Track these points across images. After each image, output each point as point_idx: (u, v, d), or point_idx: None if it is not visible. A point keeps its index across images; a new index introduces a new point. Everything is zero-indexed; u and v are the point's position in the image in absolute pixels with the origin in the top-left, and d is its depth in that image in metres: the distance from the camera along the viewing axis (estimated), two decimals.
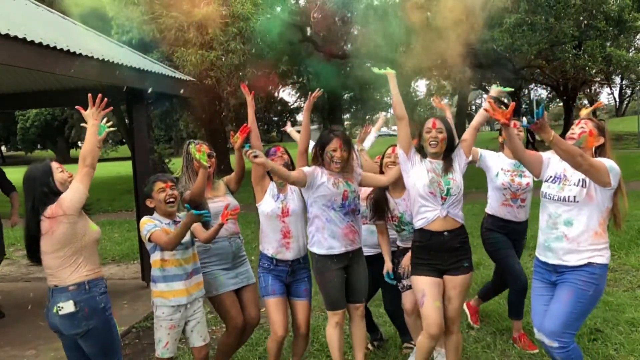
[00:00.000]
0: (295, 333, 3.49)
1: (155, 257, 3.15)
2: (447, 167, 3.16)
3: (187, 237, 3.16)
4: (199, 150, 3.27)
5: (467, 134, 3.27)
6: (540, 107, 2.49)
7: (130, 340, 4.63)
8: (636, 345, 3.77)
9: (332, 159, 3.19)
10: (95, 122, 2.80)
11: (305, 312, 3.42)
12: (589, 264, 2.82)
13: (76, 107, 2.90)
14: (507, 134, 2.91)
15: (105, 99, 2.86)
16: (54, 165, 2.80)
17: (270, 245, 3.35)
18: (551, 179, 2.98)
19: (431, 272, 3.15)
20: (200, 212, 2.92)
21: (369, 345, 4.01)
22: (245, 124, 3.39)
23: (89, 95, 2.86)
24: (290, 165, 3.43)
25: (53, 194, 2.70)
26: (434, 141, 3.13)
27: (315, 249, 3.27)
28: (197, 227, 3.22)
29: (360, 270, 3.35)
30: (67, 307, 2.67)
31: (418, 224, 3.18)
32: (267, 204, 3.33)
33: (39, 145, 41.77)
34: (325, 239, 3.22)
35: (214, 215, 3.24)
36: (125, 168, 10.25)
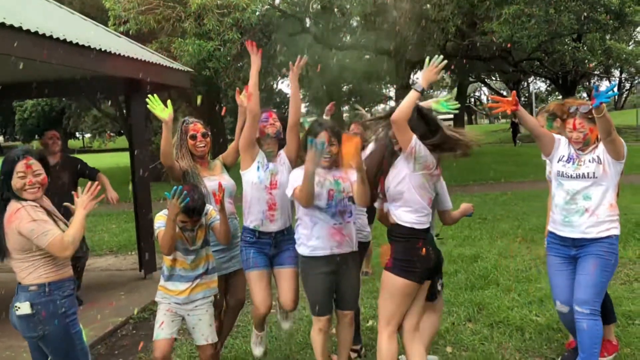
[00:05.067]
0: (281, 308, 3.28)
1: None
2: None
3: (198, 244, 3.05)
4: (164, 105, 3.12)
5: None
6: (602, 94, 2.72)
7: (128, 331, 4.63)
8: (633, 338, 3.78)
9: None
10: (84, 211, 2.54)
11: (289, 280, 3.20)
12: (609, 236, 3.07)
13: (65, 204, 2.72)
14: (518, 117, 3.08)
15: (99, 187, 2.64)
16: (19, 167, 2.52)
17: (253, 216, 3.19)
18: (564, 158, 3.19)
19: None
20: (177, 195, 2.73)
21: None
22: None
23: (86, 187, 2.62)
24: (282, 134, 3.26)
25: (12, 195, 2.52)
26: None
27: (301, 250, 3.08)
28: (216, 226, 3.07)
29: (350, 276, 3.13)
30: (24, 308, 2.50)
31: None
32: (255, 172, 3.18)
33: (36, 136, 41.67)
34: (309, 240, 3.03)
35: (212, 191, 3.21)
36: (123, 159, 10.22)
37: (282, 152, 3.29)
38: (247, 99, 3.15)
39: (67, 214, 2.68)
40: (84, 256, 5.17)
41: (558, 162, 3.22)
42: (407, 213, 2.81)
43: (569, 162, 3.17)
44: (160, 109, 3.14)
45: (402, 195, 2.80)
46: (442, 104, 2.93)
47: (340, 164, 3.05)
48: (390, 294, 2.85)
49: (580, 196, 3.10)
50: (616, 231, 3.11)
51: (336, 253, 3.03)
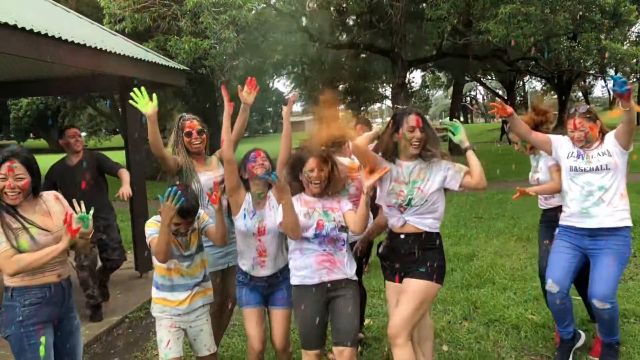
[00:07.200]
0: (273, 348, 3.23)
1: (159, 264, 2.93)
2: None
3: (192, 249, 2.99)
4: (150, 98, 3.06)
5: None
6: (620, 80, 2.78)
7: (124, 330, 4.62)
8: (628, 336, 3.80)
9: (309, 180, 2.89)
10: (65, 240, 2.45)
11: (280, 322, 3.12)
12: (623, 228, 3.22)
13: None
14: (511, 123, 3.26)
15: (70, 214, 2.48)
16: (1, 169, 2.48)
17: (245, 261, 3.13)
18: (574, 154, 3.32)
19: (391, 275, 3.02)
20: (171, 196, 2.63)
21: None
22: (251, 78, 3.20)
23: (67, 214, 2.46)
24: (272, 172, 3.12)
25: None
26: (416, 142, 2.84)
27: (292, 281, 2.97)
28: (210, 230, 3.02)
29: (344, 305, 2.88)
30: None
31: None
32: (242, 221, 3.06)
33: (31, 135, 41.45)
34: (299, 270, 2.90)
35: (206, 186, 3.26)
36: (119, 158, 10.20)
37: (271, 194, 3.14)
38: (222, 139, 3.05)
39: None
40: (119, 258, 5.10)
41: (568, 158, 3.34)
42: (437, 221, 2.94)
43: (579, 158, 3.29)
44: (143, 102, 3.10)
45: (438, 207, 2.92)
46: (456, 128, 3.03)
47: (331, 191, 2.97)
48: (426, 303, 2.88)
49: (595, 187, 3.22)
50: (629, 222, 3.25)
51: (326, 280, 2.87)
